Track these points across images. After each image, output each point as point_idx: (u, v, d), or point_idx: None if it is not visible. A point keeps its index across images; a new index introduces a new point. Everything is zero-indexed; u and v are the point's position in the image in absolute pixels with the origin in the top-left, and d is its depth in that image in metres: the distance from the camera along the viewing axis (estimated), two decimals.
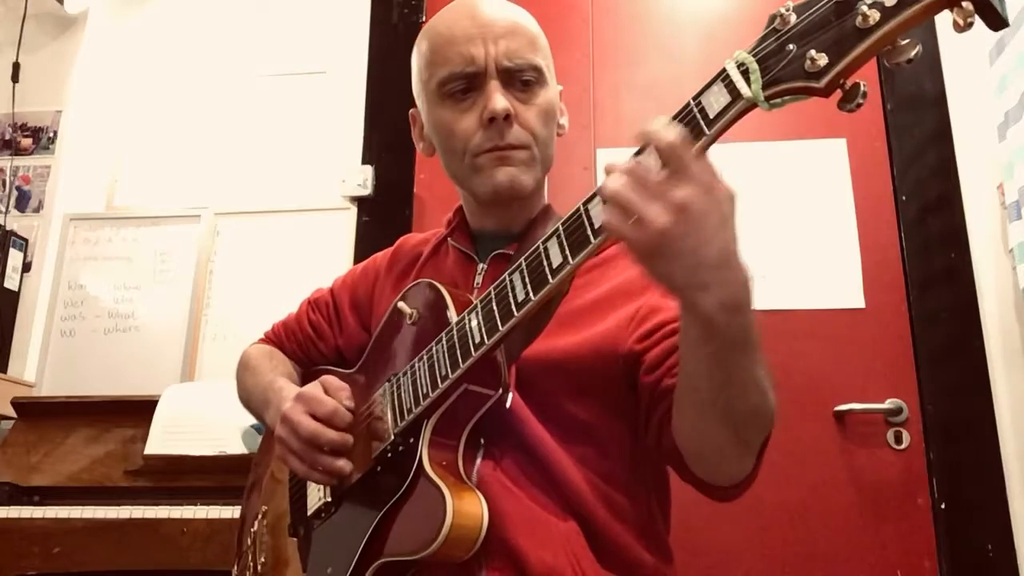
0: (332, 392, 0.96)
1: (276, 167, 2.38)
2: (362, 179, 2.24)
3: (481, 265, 1.03)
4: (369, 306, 1.15)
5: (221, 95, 2.49)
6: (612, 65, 2.22)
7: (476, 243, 1.06)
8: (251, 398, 1.16)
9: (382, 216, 2.22)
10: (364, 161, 2.28)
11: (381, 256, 1.21)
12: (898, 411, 1.88)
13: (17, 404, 1.99)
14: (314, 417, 0.93)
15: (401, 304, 0.97)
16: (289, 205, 2.32)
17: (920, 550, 1.81)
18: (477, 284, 1.01)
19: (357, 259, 2.16)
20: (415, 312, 0.95)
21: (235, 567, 1.17)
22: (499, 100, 0.94)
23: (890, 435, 1.88)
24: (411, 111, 1.10)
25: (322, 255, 2.24)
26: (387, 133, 2.31)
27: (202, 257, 2.31)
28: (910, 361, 1.91)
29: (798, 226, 2.02)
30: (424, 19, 2.37)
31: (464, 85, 0.96)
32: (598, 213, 0.70)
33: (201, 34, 2.56)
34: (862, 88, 0.60)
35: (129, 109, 2.54)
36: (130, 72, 2.57)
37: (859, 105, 0.61)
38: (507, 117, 0.94)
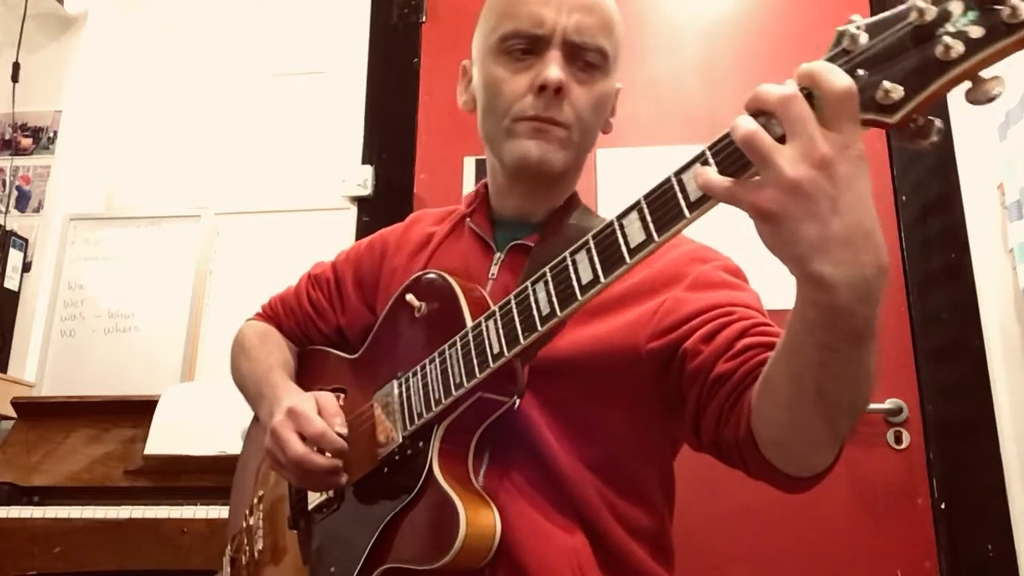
0: (326, 416, 0.92)
1: (276, 167, 2.38)
2: (362, 179, 2.24)
3: (498, 255, 1.00)
4: (375, 285, 1.11)
5: (221, 95, 2.49)
6: None
7: (495, 229, 1.03)
8: (246, 385, 1.13)
9: (382, 216, 2.22)
10: (364, 161, 2.28)
11: (390, 231, 1.16)
12: (898, 411, 1.88)
13: (17, 404, 1.99)
14: (302, 437, 0.90)
15: (410, 296, 0.93)
16: (289, 205, 2.31)
17: (920, 550, 1.81)
18: (492, 275, 0.98)
19: None
20: (423, 306, 0.91)
21: (228, 547, 1.15)
22: (555, 70, 0.90)
23: (890, 435, 1.88)
24: (463, 62, 1.06)
25: (322, 255, 2.22)
26: (387, 133, 2.31)
27: (202, 257, 2.31)
28: (910, 361, 1.91)
29: None
30: (424, 19, 2.37)
31: (525, 45, 0.93)
32: (635, 230, 0.67)
33: (201, 34, 2.56)
34: (936, 124, 0.55)
35: (129, 109, 2.54)
36: (130, 72, 2.57)
37: (932, 144, 0.55)
38: (559, 90, 0.90)
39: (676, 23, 2.26)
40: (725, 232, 0.95)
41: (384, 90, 2.35)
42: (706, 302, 0.86)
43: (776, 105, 0.57)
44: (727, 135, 0.60)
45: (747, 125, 0.57)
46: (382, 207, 2.23)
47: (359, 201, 2.26)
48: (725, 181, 0.59)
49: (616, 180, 2.12)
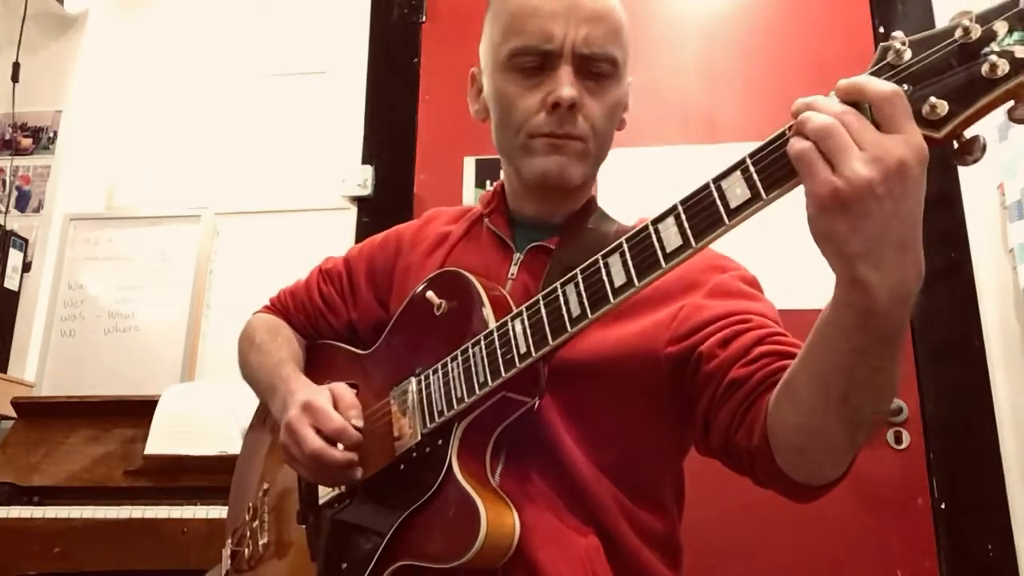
0: (342, 409, 0.92)
1: (276, 167, 2.38)
2: (362, 179, 2.24)
3: (517, 255, 0.99)
4: (388, 281, 1.10)
5: (221, 95, 2.49)
6: None
7: (513, 229, 1.02)
8: (256, 379, 1.11)
9: (382, 216, 2.22)
10: (364, 161, 2.28)
11: (404, 228, 1.15)
12: (898, 411, 1.88)
13: (17, 404, 1.99)
14: (319, 432, 0.90)
15: (429, 293, 0.93)
16: (289, 205, 2.31)
17: (920, 550, 1.81)
18: (512, 275, 0.97)
19: None
20: (443, 304, 0.91)
21: (229, 540, 1.14)
22: (567, 88, 0.90)
23: (890, 435, 1.88)
24: (472, 70, 1.05)
25: (322, 255, 2.22)
26: (387, 133, 2.31)
27: (202, 257, 2.31)
28: (910, 361, 1.91)
29: (799, 226, 2.01)
30: (424, 19, 2.37)
31: (536, 62, 0.92)
32: (671, 235, 0.67)
33: (201, 34, 2.56)
34: (982, 141, 0.56)
35: (129, 109, 2.54)
36: (130, 72, 2.57)
37: (977, 160, 0.57)
38: (572, 106, 0.90)
39: (676, 23, 2.26)
40: (738, 240, 0.96)
41: (384, 90, 2.35)
42: (723, 309, 0.86)
43: (834, 117, 0.57)
44: (769, 143, 0.61)
45: (823, 117, 0.57)
46: (382, 207, 2.23)
47: (359, 201, 2.26)
48: (808, 144, 0.58)
49: (616, 180, 2.11)
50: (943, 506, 1.81)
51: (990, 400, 1.84)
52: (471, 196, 2.18)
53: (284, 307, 1.19)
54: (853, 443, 0.70)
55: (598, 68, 0.93)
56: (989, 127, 1.93)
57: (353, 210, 2.26)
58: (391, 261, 1.11)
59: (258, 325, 1.17)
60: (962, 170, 1.99)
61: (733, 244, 0.97)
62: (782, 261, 1.99)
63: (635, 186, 2.09)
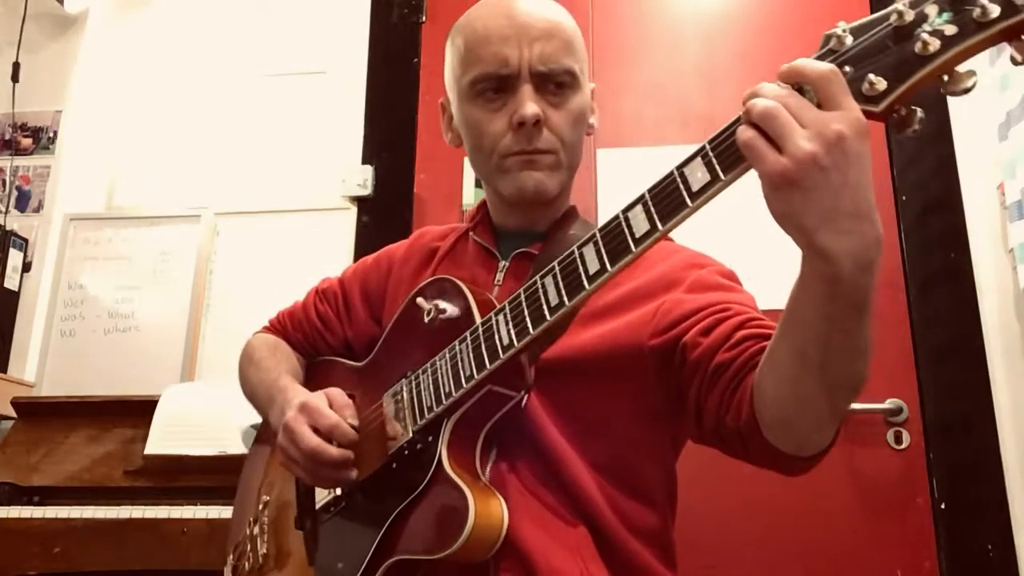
0: (337, 408, 0.96)
1: (276, 167, 2.38)
2: (362, 179, 2.24)
3: (503, 262, 1.03)
4: (381, 298, 1.14)
5: (221, 95, 2.49)
6: (612, 65, 2.22)
7: (498, 240, 1.06)
8: (255, 393, 1.15)
9: (382, 216, 2.22)
10: (364, 161, 2.28)
11: (396, 247, 1.19)
12: (898, 411, 1.88)
13: (17, 404, 1.99)
14: (316, 430, 0.93)
15: (420, 299, 0.96)
16: (289, 205, 2.32)
17: (920, 550, 1.81)
18: (498, 282, 1.01)
19: (357, 259, 2.16)
20: (433, 308, 0.93)
21: (230, 556, 1.15)
22: (530, 106, 0.94)
23: (890, 435, 1.88)
24: (440, 100, 1.10)
25: (322, 255, 2.23)
26: (387, 133, 2.31)
27: (202, 257, 2.31)
28: (910, 361, 1.91)
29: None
30: (424, 19, 2.38)
31: (496, 86, 0.96)
32: (639, 222, 0.71)
33: (201, 34, 2.56)
34: (918, 114, 0.60)
35: (129, 109, 2.54)
36: (130, 72, 2.57)
37: (915, 131, 0.61)
38: (537, 123, 0.94)
39: (676, 23, 2.26)
40: (722, 239, 0.97)
41: (384, 90, 2.35)
42: (703, 301, 0.89)
43: (776, 100, 0.61)
44: (726, 129, 0.65)
45: (765, 102, 0.61)
46: (382, 207, 2.23)
47: (359, 201, 2.26)
48: (753, 132, 0.61)
49: (616, 180, 2.12)
50: (943, 506, 1.81)
51: (990, 400, 1.84)
52: (471, 196, 2.18)
53: (283, 327, 1.23)
54: (835, 409, 0.73)
55: (557, 80, 0.96)
56: (990, 127, 1.95)
57: (353, 210, 2.26)
58: (384, 279, 1.15)
59: (257, 344, 1.21)
60: (962, 170, 1.99)
61: (728, 247, 0.98)
62: (780, 261, 2.00)
63: (635, 186, 2.09)
